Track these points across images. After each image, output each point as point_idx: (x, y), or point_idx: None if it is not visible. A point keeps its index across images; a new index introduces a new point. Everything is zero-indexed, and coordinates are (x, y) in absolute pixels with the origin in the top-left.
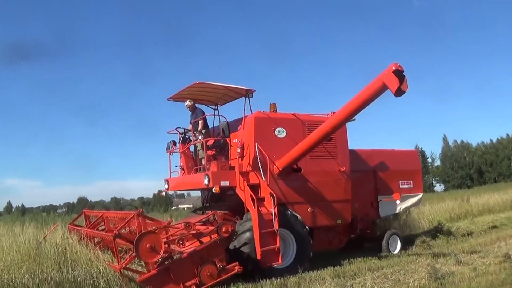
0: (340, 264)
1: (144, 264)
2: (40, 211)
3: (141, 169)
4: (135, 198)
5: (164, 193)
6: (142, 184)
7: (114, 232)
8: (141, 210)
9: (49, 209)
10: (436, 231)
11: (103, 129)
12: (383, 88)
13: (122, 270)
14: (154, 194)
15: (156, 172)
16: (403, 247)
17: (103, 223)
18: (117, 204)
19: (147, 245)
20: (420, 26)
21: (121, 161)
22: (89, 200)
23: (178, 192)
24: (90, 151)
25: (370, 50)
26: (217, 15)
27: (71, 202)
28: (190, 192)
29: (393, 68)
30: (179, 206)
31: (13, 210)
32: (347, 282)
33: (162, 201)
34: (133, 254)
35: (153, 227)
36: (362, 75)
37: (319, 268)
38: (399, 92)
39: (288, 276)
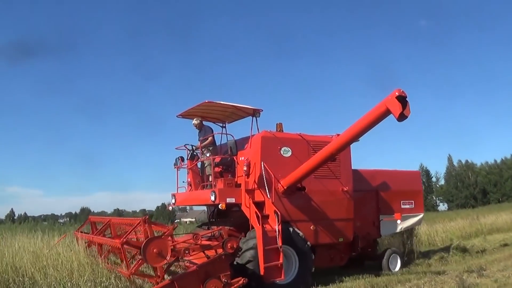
0: (363, 277)
1: (152, 269)
2: (41, 220)
3: (144, 181)
4: (137, 210)
5: (171, 208)
6: (145, 196)
7: (122, 239)
8: (147, 216)
9: (51, 219)
10: (452, 248)
11: (107, 130)
12: (387, 113)
13: (131, 275)
14: (157, 207)
15: (160, 185)
16: (403, 265)
17: (109, 229)
18: (119, 215)
19: (154, 250)
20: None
21: (125, 173)
22: (92, 211)
23: (181, 206)
24: (92, 160)
25: (375, 48)
26: (220, 11)
27: (73, 212)
28: (193, 206)
29: (397, 93)
30: (182, 219)
31: (15, 218)
32: None
33: (165, 214)
34: (141, 259)
35: (160, 232)
36: (367, 74)
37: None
38: (401, 117)
39: None
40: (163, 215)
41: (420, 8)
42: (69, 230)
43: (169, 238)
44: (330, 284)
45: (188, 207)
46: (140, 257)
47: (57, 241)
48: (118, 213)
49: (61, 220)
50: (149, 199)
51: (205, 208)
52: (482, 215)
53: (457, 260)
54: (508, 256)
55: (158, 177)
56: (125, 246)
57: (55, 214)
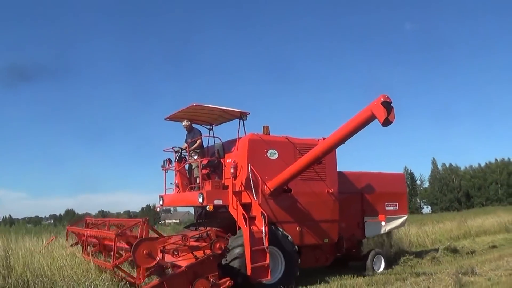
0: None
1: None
2: (25, 222)
3: (127, 183)
4: (121, 212)
5: (158, 209)
6: (129, 198)
7: (118, 231)
8: (147, 218)
9: (35, 221)
10: (444, 249)
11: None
12: (372, 118)
13: (114, 268)
14: (142, 209)
15: (144, 186)
16: (387, 266)
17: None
18: (104, 217)
19: (144, 251)
20: (416, 50)
21: (107, 174)
22: (76, 213)
23: (165, 207)
24: (75, 163)
25: (370, 72)
26: (216, 37)
27: (58, 214)
28: (177, 207)
29: (382, 99)
30: (166, 221)
31: (0, 220)
32: (391, 286)
33: (150, 216)
34: (129, 256)
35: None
36: (362, 97)
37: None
38: (386, 122)
39: None
40: (148, 217)
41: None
42: (61, 232)
43: (160, 241)
44: (323, 283)
45: (172, 209)
46: (129, 255)
47: (46, 243)
48: (103, 214)
49: (45, 222)
50: (133, 201)
51: (189, 209)
52: (469, 218)
53: (449, 260)
54: (498, 257)
55: (142, 179)
56: (118, 237)
57: (39, 216)
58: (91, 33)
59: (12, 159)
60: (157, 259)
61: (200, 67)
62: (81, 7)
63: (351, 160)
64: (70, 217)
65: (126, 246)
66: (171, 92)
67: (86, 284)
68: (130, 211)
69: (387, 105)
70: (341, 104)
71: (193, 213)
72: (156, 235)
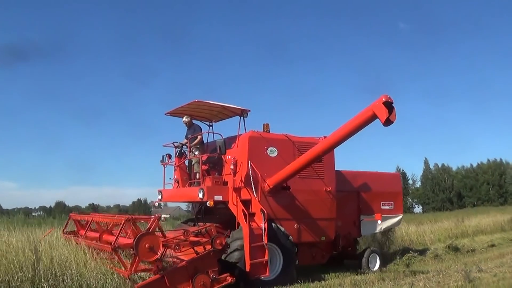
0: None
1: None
2: (15, 213)
3: (119, 176)
4: (111, 206)
5: (157, 203)
6: (119, 192)
7: (112, 244)
8: (130, 216)
9: (25, 212)
10: (445, 247)
11: (93, 131)
12: (373, 118)
13: (129, 275)
14: (133, 202)
15: (136, 181)
16: (382, 264)
17: (94, 225)
18: (94, 210)
19: (146, 245)
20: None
21: (100, 168)
22: (66, 205)
23: (152, 202)
24: (67, 154)
25: (366, 54)
26: (213, 16)
27: (48, 206)
28: (167, 202)
29: (383, 99)
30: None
31: None
32: (401, 282)
33: (141, 210)
34: (135, 256)
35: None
36: (358, 78)
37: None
38: (387, 122)
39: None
40: (139, 211)
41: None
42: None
43: (159, 232)
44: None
45: (162, 204)
46: (132, 252)
47: (44, 235)
48: (93, 207)
49: (34, 214)
50: (123, 195)
51: (180, 204)
52: (465, 218)
53: (451, 258)
54: (499, 255)
55: (134, 173)
56: (117, 252)
57: (29, 207)
58: (87, 13)
59: (2, 147)
60: (159, 253)
61: (195, 45)
62: None
63: (344, 159)
64: (61, 209)
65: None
66: (167, 74)
67: (114, 276)
68: (120, 205)
69: (389, 105)
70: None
71: (183, 208)
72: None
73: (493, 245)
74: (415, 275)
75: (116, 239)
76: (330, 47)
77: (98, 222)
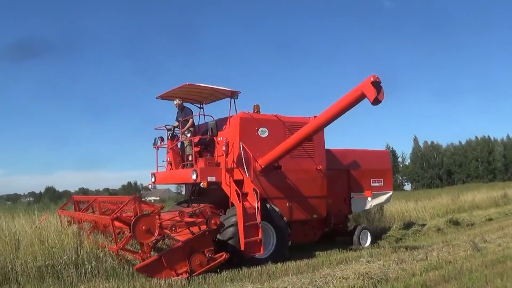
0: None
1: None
2: (4, 200)
3: (106, 160)
4: (101, 189)
5: (150, 186)
6: (108, 175)
7: (113, 214)
8: (137, 194)
9: (14, 198)
10: (447, 221)
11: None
12: (362, 97)
13: (119, 250)
14: (123, 186)
15: (124, 164)
16: (373, 241)
17: (91, 209)
18: (84, 194)
19: (143, 227)
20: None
21: (87, 151)
22: (56, 190)
23: (144, 184)
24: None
25: (372, 49)
26: (220, 13)
27: (37, 191)
28: (159, 184)
29: (372, 79)
30: (147, 198)
31: None
32: (414, 252)
33: (131, 193)
34: (130, 235)
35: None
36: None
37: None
38: (376, 101)
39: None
40: (129, 194)
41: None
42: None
43: (157, 216)
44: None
45: (151, 186)
46: (129, 233)
47: (40, 220)
48: (83, 191)
49: (24, 200)
50: (113, 178)
51: (170, 186)
52: (461, 194)
53: (453, 231)
54: (498, 228)
55: (123, 156)
56: (115, 222)
57: (18, 193)
58: (95, 9)
59: None
60: (156, 234)
61: (204, 43)
62: None
63: (333, 137)
64: (51, 195)
65: (125, 226)
66: (176, 71)
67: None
68: (110, 188)
69: (377, 85)
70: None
71: (173, 190)
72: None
73: (490, 219)
74: (428, 248)
75: (116, 211)
76: (337, 43)
77: (99, 203)
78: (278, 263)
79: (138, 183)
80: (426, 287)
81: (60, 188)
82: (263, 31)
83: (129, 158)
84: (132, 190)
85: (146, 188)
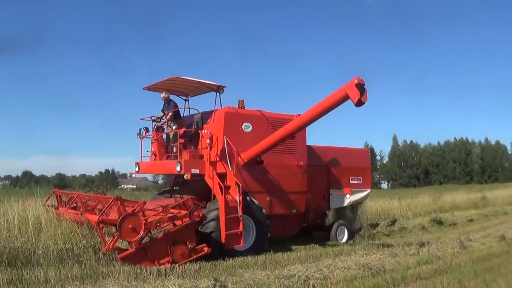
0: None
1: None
2: None
3: (84, 146)
4: (77, 175)
5: (134, 175)
6: (85, 162)
7: (98, 217)
8: (119, 195)
9: None
10: (431, 220)
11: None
12: (345, 98)
13: (108, 251)
14: (100, 173)
15: (101, 150)
16: (350, 237)
17: (74, 202)
18: (61, 180)
19: (129, 226)
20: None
21: (63, 136)
22: (34, 174)
23: (121, 172)
24: (28, 121)
25: (342, 44)
26: (190, 8)
27: (15, 175)
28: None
29: (356, 81)
30: (124, 186)
31: None
32: (406, 248)
33: (108, 180)
34: (117, 234)
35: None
36: (335, 69)
37: None
38: (359, 103)
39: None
40: (107, 181)
41: None
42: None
43: (141, 214)
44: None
45: (128, 174)
46: (116, 233)
47: (24, 206)
48: (60, 177)
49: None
50: (89, 164)
51: (146, 175)
52: (442, 195)
53: (436, 230)
54: (480, 229)
55: (99, 143)
56: (101, 224)
57: None
58: (65, 5)
59: None
60: (141, 233)
61: (174, 39)
62: None
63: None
64: (28, 179)
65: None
66: (144, 64)
67: None
68: (86, 175)
69: (361, 87)
70: (313, 75)
71: (150, 179)
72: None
73: (471, 220)
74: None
75: (101, 214)
76: (307, 39)
77: (82, 200)
78: (279, 253)
79: (116, 171)
80: (421, 279)
81: (37, 173)
82: (236, 26)
83: (105, 145)
84: (110, 177)
85: (123, 176)
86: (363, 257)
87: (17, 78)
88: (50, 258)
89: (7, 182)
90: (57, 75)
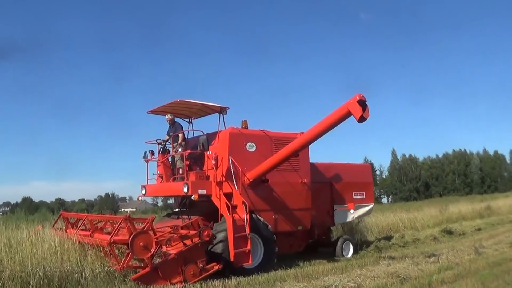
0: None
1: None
2: None
3: (80, 171)
4: (76, 200)
5: (140, 198)
6: (84, 186)
7: (109, 238)
8: (128, 215)
9: None
10: (441, 230)
11: (67, 127)
12: (348, 115)
13: (123, 269)
14: (100, 197)
15: (99, 174)
16: (355, 251)
17: (82, 223)
18: (61, 205)
19: (141, 244)
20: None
21: (62, 162)
22: (33, 200)
23: (121, 196)
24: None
25: (347, 54)
26: (193, 14)
27: (13, 202)
28: (133, 196)
29: (358, 98)
30: (123, 209)
31: None
32: (420, 257)
33: (108, 204)
34: (129, 252)
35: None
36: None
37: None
38: (361, 119)
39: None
40: (106, 205)
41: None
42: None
43: (151, 231)
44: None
45: (127, 197)
46: (128, 251)
47: (34, 231)
48: (60, 202)
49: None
50: (88, 188)
51: (146, 198)
52: (447, 207)
53: (447, 240)
54: (489, 236)
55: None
56: (113, 245)
57: None
58: (66, 11)
59: None
60: (152, 250)
61: (176, 48)
62: None
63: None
64: (27, 205)
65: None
66: (147, 71)
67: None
68: (86, 199)
69: (362, 104)
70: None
71: (149, 202)
72: (140, 227)
73: (479, 229)
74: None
75: (112, 235)
76: (309, 47)
77: (91, 221)
78: (308, 267)
79: (116, 194)
80: (446, 283)
81: (36, 198)
82: (239, 36)
83: (104, 168)
84: (110, 201)
85: (123, 199)
86: (388, 266)
87: (19, 86)
88: (97, 280)
89: (6, 208)
90: (59, 85)
